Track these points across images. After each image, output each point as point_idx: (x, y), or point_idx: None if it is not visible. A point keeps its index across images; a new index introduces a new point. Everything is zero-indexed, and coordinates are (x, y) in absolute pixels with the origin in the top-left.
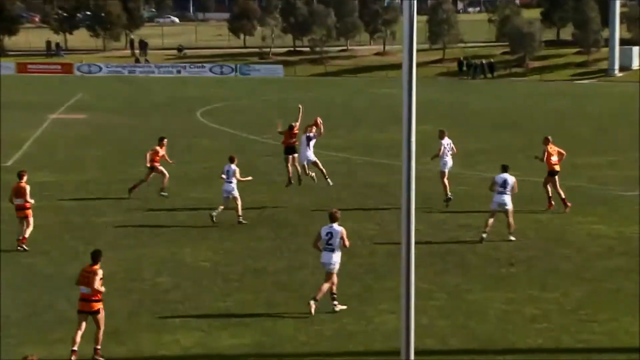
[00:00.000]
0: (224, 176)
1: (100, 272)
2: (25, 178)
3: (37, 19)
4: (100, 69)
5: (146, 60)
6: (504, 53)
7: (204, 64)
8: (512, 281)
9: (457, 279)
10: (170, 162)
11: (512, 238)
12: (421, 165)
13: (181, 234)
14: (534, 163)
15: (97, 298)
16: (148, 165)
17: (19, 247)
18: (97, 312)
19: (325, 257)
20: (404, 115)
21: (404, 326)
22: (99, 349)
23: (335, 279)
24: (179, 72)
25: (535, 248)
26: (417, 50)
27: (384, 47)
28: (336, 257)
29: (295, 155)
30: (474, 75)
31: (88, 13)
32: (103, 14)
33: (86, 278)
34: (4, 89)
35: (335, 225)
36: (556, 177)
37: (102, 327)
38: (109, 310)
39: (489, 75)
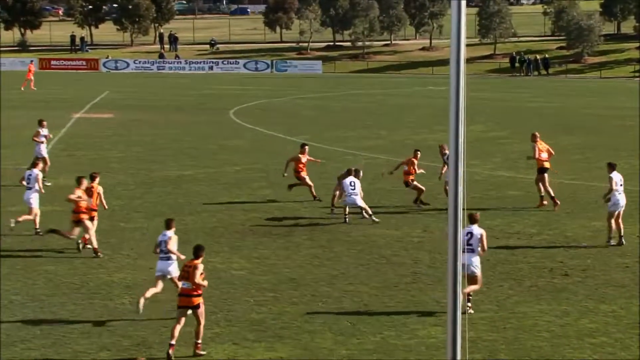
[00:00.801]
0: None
1: (201, 267)
2: (97, 180)
3: (60, 12)
4: (128, 65)
5: (176, 56)
6: (560, 48)
7: (238, 60)
8: (566, 292)
9: (508, 289)
10: (318, 161)
11: (613, 242)
12: (469, 168)
13: (212, 240)
14: (591, 166)
15: (197, 293)
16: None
17: (83, 247)
18: (198, 306)
19: (466, 259)
20: (450, 114)
21: (450, 340)
22: (199, 344)
23: (480, 281)
24: (211, 68)
25: (591, 257)
26: (466, 45)
27: (431, 42)
28: (476, 260)
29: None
30: (527, 71)
31: (115, 5)
32: (131, 6)
33: (187, 272)
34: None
35: (475, 227)
36: (546, 174)
37: (203, 322)
38: (136, 321)
39: (544, 72)
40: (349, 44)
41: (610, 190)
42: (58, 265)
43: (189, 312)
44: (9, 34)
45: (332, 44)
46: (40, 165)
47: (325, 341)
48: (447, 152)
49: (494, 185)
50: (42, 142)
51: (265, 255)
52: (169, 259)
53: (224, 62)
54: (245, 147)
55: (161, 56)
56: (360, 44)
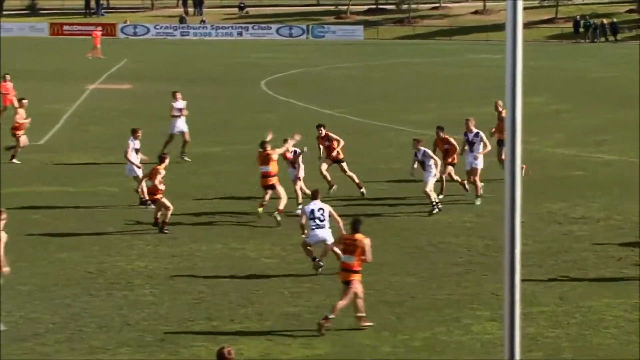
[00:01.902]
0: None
1: (365, 242)
2: (166, 162)
3: None
4: (148, 30)
5: (202, 21)
6: (630, 11)
7: (270, 25)
8: (636, 284)
9: (571, 281)
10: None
11: None
12: (528, 145)
13: (242, 225)
14: None
15: (356, 270)
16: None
17: (164, 231)
18: (351, 282)
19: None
20: (507, 85)
21: (508, 336)
22: (362, 317)
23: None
24: (240, 34)
25: None
26: (524, 8)
27: (484, 5)
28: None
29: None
30: (592, 37)
31: None
32: None
33: (352, 247)
34: (35, 54)
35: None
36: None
37: (362, 295)
38: (159, 314)
39: (611, 38)
40: (393, 7)
41: None
42: (72, 252)
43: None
44: None
45: (374, 7)
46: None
47: (368, 337)
48: (421, 148)
49: (555, 165)
50: (179, 116)
51: (300, 242)
52: (324, 227)
53: (255, 27)
54: (278, 121)
55: (182, 20)
56: (405, 7)
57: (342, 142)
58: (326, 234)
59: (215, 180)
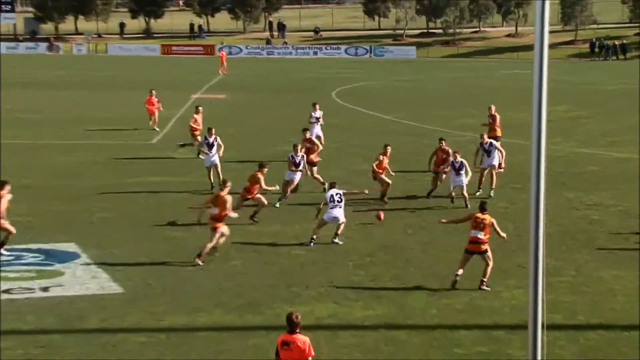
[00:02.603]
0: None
1: (492, 221)
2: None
3: (180, 3)
4: (241, 50)
5: (285, 42)
6: (637, 34)
7: (340, 46)
8: None
9: (586, 256)
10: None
11: None
12: (553, 145)
13: (315, 210)
14: None
15: (486, 240)
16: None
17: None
18: (486, 251)
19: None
20: (534, 95)
21: (532, 301)
22: (485, 281)
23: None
24: (315, 53)
25: None
26: (549, 32)
27: (516, 29)
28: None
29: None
30: (606, 56)
31: None
32: None
33: (481, 224)
34: (149, 70)
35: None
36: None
37: (491, 264)
38: (247, 282)
39: (621, 57)
40: (441, 31)
41: None
42: (177, 232)
43: (473, 256)
44: (135, 22)
45: (425, 31)
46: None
47: (418, 301)
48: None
49: (574, 161)
50: (316, 123)
51: (364, 224)
52: (340, 207)
53: (327, 48)
54: (345, 125)
55: (268, 42)
56: (451, 31)
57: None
58: (339, 213)
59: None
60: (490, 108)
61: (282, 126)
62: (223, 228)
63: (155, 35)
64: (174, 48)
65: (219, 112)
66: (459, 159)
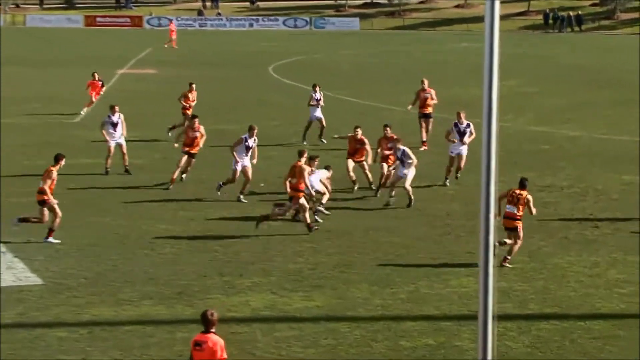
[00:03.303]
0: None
1: (529, 197)
2: (304, 158)
3: None
4: (171, 22)
5: (218, 13)
6: (593, 5)
7: (277, 17)
8: (595, 244)
9: (539, 241)
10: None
11: None
12: (503, 122)
13: (251, 193)
14: (622, 121)
15: (519, 218)
16: None
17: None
18: (516, 228)
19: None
20: (484, 69)
21: (482, 289)
22: (508, 258)
23: None
24: (251, 25)
25: (620, 210)
26: (501, 2)
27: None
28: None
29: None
30: (560, 28)
31: None
32: None
33: (516, 199)
34: (71, 43)
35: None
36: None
37: (520, 242)
38: (178, 271)
39: (576, 29)
40: (385, 1)
41: None
42: (102, 217)
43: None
44: None
45: (369, 1)
46: None
47: (361, 291)
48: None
49: (527, 140)
50: (316, 106)
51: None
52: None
53: (264, 19)
54: (284, 102)
55: (200, 13)
56: (396, 1)
57: (369, 151)
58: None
59: (229, 155)
60: (423, 82)
61: (217, 103)
62: (301, 200)
63: (77, 5)
64: (98, 19)
65: (149, 88)
66: (400, 147)
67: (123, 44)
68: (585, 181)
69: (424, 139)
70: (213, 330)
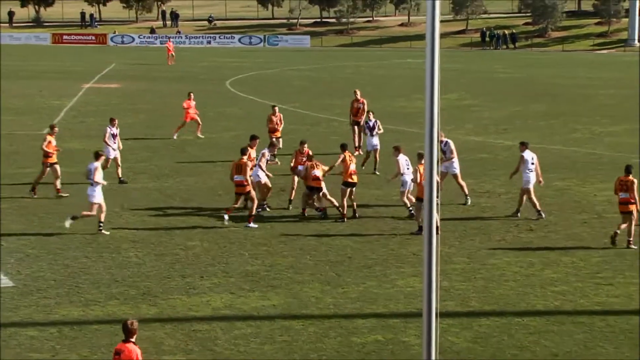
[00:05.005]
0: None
1: (634, 181)
2: (247, 154)
3: None
4: (133, 39)
5: (178, 32)
6: (526, 24)
7: (234, 35)
8: (531, 246)
9: (478, 243)
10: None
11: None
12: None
13: (211, 199)
14: (554, 132)
15: (633, 201)
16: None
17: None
18: (631, 212)
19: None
20: (426, 83)
21: (426, 289)
22: (631, 240)
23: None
24: (209, 42)
25: (553, 214)
26: (441, 21)
27: (409, 18)
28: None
29: None
30: (496, 45)
31: None
32: None
33: (625, 185)
34: (39, 59)
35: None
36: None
37: (634, 224)
38: (142, 273)
39: (511, 46)
40: (334, 20)
41: (517, 169)
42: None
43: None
44: (24, 10)
45: (319, 20)
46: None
47: (313, 290)
48: (443, 139)
49: (466, 149)
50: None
51: (259, 213)
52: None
53: (221, 37)
54: (241, 114)
55: (152, 31)
56: (344, 20)
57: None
58: None
59: (190, 163)
60: (355, 92)
61: (178, 116)
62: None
63: (45, 24)
64: (65, 37)
65: (113, 100)
66: (443, 139)
67: (88, 60)
68: (519, 188)
69: (357, 145)
70: (133, 339)
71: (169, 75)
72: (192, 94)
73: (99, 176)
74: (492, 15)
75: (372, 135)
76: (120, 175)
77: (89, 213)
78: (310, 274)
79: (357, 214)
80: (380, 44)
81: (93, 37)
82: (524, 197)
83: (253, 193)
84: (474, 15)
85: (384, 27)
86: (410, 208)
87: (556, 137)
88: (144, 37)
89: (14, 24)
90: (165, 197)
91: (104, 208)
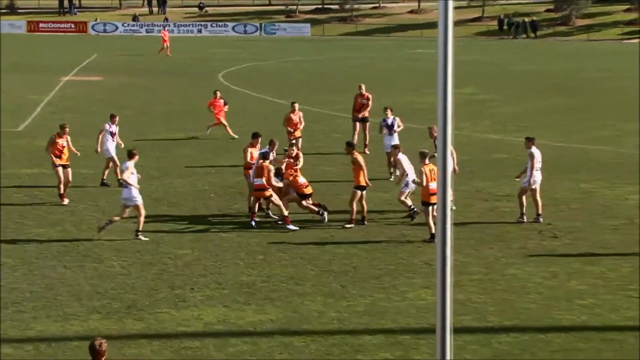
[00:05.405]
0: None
1: None
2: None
3: None
4: (117, 27)
5: (165, 19)
6: (548, 10)
7: (227, 23)
8: (555, 254)
9: (496, 252)
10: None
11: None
12: (458, 131)
13: (201, 203)
14: (579, 128)
15: None
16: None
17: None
18: None
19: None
20: (439, 77)
21: (440, 302)
22: None
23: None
24: (199, 31)
25: (579, 219)
26: (455, 8)
27: (419, 5)
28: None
29: None
30: (515, 34)
31: None
32: None
33: None
34: (14, 50)
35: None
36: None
37: None
38: (126, 284)
39: (532, 35)
40: (337, 6)
41: (532, 167)
42: (48, 228)
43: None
44: None
45: (320, 6)
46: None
47: (315, 303)
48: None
49: (482, 148)
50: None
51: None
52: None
53: (213, 25)
54: (234, 110)
55: (135, 19)
56: (348, 6)
57: None
58: None
59: (177, 163)
60: (360, 87)
61: (166, 112)
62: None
63: (20, 10)
64: (41, 25)
65: (95, 96)
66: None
67: (67, 51)
68: (543, 190)
69: (365, 143)
70: None
71: (156, 67)
72: (218, 92)
73: (126, 175)
74: (510, 1)
75: (390, 134)
76: (105, 177)
77: (123, 215)
78: (312, 286)
79: (366, 220)
80: (388, 33)
81: (72, 25)
82: (524, 198)
83: (275, 197)
84: (491, 1)
85: (392, 14)
86: (415, 209)
87: (580, 135)
88: (128, 25)
89: None
90: (151, 200)
91: (143, 212)
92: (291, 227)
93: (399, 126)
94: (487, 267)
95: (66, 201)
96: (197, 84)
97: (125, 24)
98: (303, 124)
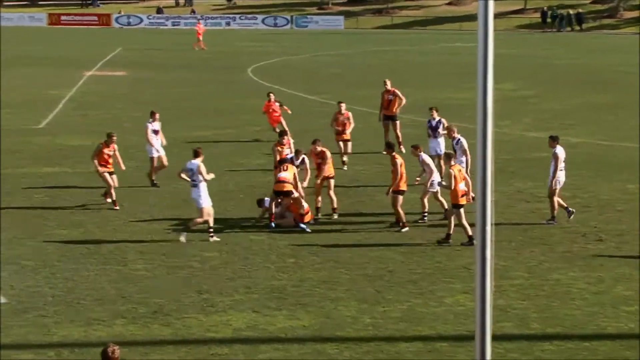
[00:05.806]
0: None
1: None
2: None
3: None
4: (141, 20)
5: (192, 11)
6: (594, 2)
7: (256, 15)
8: (600, 258)
9: (539, 256)
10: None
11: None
12: (498, 128)
13: (230, 205)
14: (623, 126)
15: None
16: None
17: None
18: None
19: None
20: (478, 71)
21: (479, 308)
22: None
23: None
24: (228, 24)
25: (626, 222)
26: (495, 0)
27: None
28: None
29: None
30: (559, 27)
31: None
32: None
33: None
34: (34, 42)
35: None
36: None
37: None
38: (152, 288)
39: (577, 28)
40: None
41: (555, 167)
42: (70, 229)
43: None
44: None
45: None
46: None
47: (349, 309)
48: (456, 135)
49: (524, 147)
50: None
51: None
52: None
53: (242, 18)
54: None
55: (159, 11)
56: None
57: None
58: None
59: (206, 162)
60: (385, 82)
61: (191, 109)
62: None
63: (41, 2)
64: (63, 18)
65: (120, 91)
66: (456, 136)
67: (90, 44)
68: (589, 191)
69: (399, 141)
70: None
71: (182, 62)
72: (272, 94)
73: (205, 172)
74: None
75: (435, 137)
76: (154, 178)
77: (200, 220)
78: (346, 290)
79: (401, 225)
80: (425, 26)
81: (95, 18)
82: (555, 199)
83: (296, 195)
84: None
85: (429, 7)
86: (426, 213)
87: (626, 133)
88: (154, 17)
89: (5, 3)
90: (179, 201)
91: (212, 211)
92: (304, 227)
93: (445, 128)
94: (529, 272)
95: (117, 207)
96: (225, 79)
97: (150, 17)
98: (353, 124)
